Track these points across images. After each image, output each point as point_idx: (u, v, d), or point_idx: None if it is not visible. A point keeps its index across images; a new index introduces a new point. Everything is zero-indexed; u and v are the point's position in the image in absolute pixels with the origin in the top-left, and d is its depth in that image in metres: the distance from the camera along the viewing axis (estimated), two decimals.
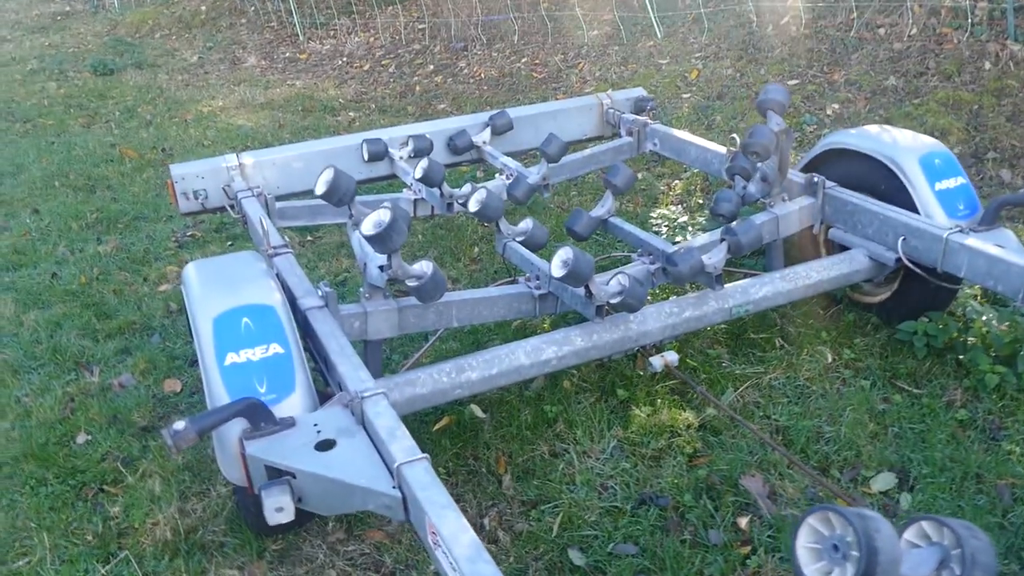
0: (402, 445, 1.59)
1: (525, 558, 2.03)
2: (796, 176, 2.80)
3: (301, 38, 8.57)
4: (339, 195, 2.24)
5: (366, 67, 7.47)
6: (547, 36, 6.96)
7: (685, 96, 5.32)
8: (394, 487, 1.54)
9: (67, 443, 2.58)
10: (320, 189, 2.24)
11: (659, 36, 6.37)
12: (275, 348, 1.85)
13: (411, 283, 2.12)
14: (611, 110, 3.58)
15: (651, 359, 2.41)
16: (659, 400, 2.51)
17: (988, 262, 2.27)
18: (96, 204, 4.68)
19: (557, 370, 2.29)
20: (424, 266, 2.12)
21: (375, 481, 1.56)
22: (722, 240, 2.39)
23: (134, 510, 2.25)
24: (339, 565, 2.05)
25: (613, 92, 3.68)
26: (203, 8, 10.39)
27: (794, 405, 2.47)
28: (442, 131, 3.35)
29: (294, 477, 1.63)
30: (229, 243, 4.07)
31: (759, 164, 2.63)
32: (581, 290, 2.20)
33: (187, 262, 2.30)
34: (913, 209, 2.52)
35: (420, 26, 7.89)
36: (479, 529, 2.11)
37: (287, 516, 1.61)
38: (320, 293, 2.13)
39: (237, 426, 1.71)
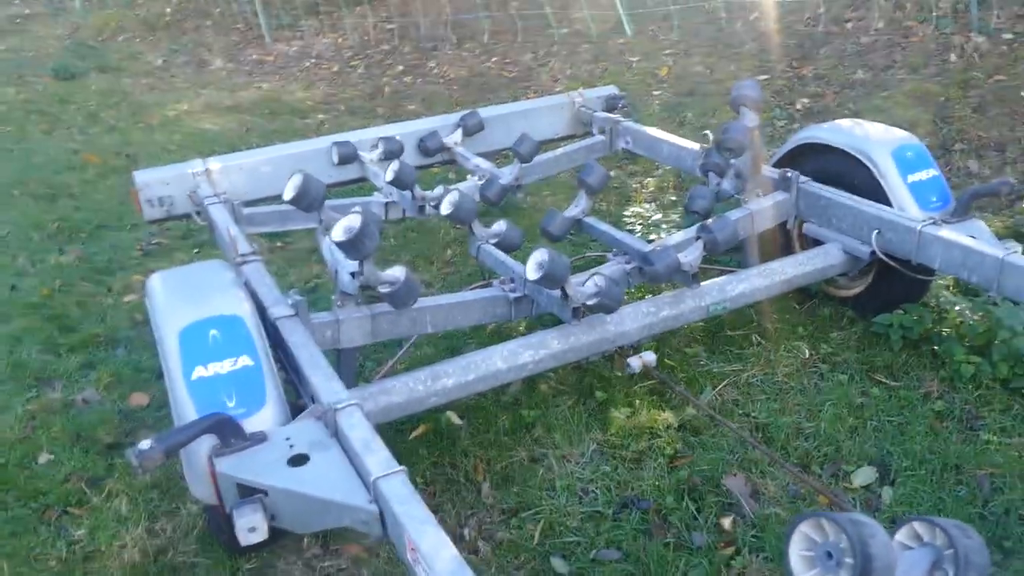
0: (378, 458, 1.55)
1: (507, 568, 1.99)
2: (769, 172, 2.79)
3: (268, 40, 8.45)
4: (308, 200, 2.20)
5: (335, 68, 7.38)
6: (517, 34, 6.93)
7: (656, 93, 5.32)
8: (371, 501, 1.49)
9: (28, 464, 2.48)
10: (289, 194, 2.20)
11: (629, 34, 6.37)
12: (244, 360, 1.80)
13: (384, 289, 2.07)
14: (583, 108, 3.56)
15: (629, 360, 2.40)
16: (638, 401, 2.49)
17: (963, 253, 2.28)
18: (58, 213, 4.55)
19: (534, 374, 2.26)
20: (397, 271, 2.08)
21: (351, 496, 1.51)
22: (698, 238, 2.38)
23: (100, 532, 2.17)
24: None
25: (585, 90, 3.65)
26: (168, 10, 10.19)
27: (773, 402, 2.47)
28: (413, 132, 3.31)
29: (266, 494, 1.57)
30: (196, 250, 3.98)
31: (733, 160, 2.62)
32: (557, 292, 2.17)
33: (153, 271, 2.23)
34: (886, 202, 2.53)
35: (389, 26, 7.82)
36: (459, 539, 2.07)
37: (260, 536, 1.55)
38: (290, 302, 2.08)
39: (206, 443, 1.65)
